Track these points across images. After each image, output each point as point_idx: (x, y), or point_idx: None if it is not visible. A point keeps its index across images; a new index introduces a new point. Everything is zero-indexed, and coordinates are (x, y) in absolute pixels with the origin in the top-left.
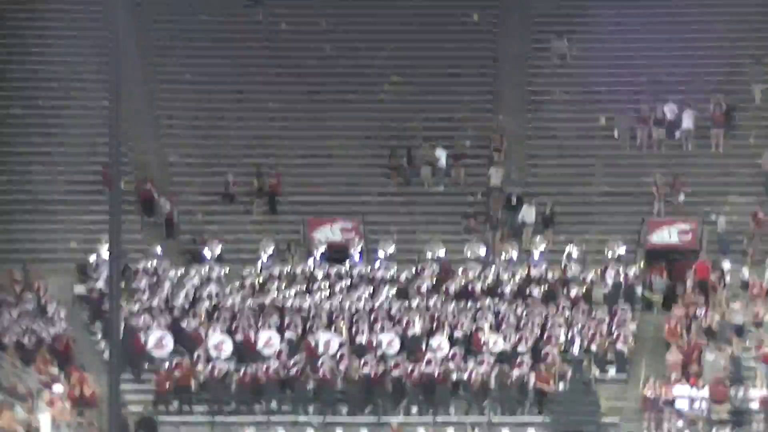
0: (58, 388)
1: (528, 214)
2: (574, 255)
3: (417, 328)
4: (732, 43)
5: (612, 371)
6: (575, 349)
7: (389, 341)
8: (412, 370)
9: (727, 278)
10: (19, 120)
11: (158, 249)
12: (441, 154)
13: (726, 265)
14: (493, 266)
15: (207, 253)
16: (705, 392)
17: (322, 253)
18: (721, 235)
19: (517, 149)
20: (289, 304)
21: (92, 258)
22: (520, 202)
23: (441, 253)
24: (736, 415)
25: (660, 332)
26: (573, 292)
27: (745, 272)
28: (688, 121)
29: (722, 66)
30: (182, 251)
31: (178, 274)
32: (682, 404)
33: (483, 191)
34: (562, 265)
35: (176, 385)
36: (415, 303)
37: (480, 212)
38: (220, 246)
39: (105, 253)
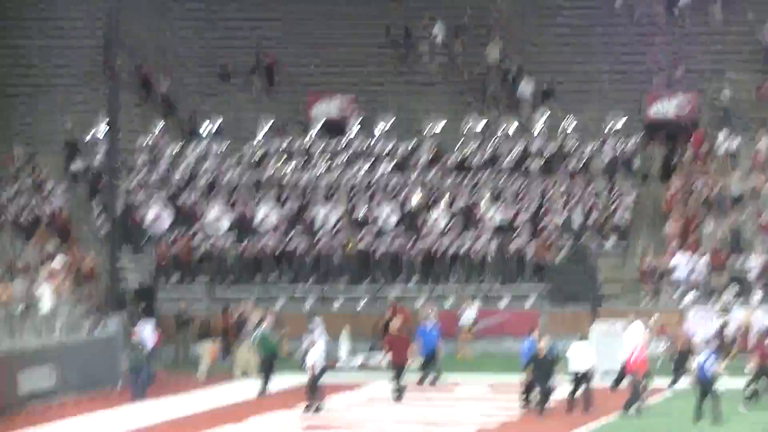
0: (58, 262)
1: (526, 88)
2: (572, 128)
3: (415, 201)
4: None
5: (611, 242)
6: (574, 221)
7: (387, 215)
8: (411, 243)
9: (722, 149)
10: (13, 2)
11: (158, 125)
12: (439, 29)
13: (721, 136)
14: (492, 140)
15: (205, 129)
16: (704, 261)
17: (320, 128)
18: (726, 108)
19: (516, 24)
20: (287, 178)
21: (88, 136)
22: (518, 77)
23: (439, 126)
24: (735, 283)
25: (658, 204)
26: (571, 165)
27: (742, 144)
28: None
29: None
30: (180, 127)
31: (176, 151)
32: (680, 273)
33: (481, 67)
34: (560, 138)
35: (176, 258)
36: (413, 177)
37: (478, 87)
38: (217, 122)
39: (101, 130)
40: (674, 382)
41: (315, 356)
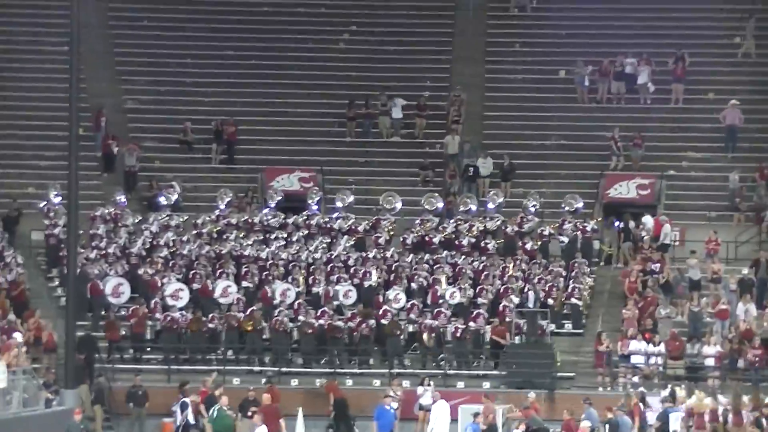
0: (17, 336)
1: (485, 166)
2: (532, 208)
3: (374, 279)
4: None
5: (568, 325)
6: (531, 303)
7: (346, 292)
8: (369, 322)
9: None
10: None
11: (121, 197)
12: (399, 105)
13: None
14: (451, 218)
15: (164, 200)
16: (661, 347)
17: (279, 203)
18: (733, 191)
19: (475, 100)
20: (246, 253)
21: (42, 204)
22: (476, 173)
23: (398, 204)
24: (692, 370)
25: (616, 287)
26: (530, 246)
27: (700, 230)
28: (644, 77)
29: (685, 20)
30: (140, 198)
31: (135, 221)
32: (637, 359)
33: (441, 148)
34: (519, 218)
35: (131, 332)
36: (372, 254)
37: (437, 164)
38: (177, 193)
39: (55, 199)
40: None
41: None
